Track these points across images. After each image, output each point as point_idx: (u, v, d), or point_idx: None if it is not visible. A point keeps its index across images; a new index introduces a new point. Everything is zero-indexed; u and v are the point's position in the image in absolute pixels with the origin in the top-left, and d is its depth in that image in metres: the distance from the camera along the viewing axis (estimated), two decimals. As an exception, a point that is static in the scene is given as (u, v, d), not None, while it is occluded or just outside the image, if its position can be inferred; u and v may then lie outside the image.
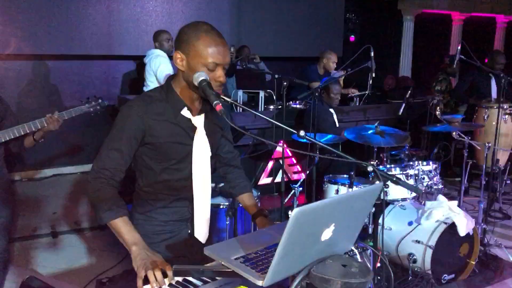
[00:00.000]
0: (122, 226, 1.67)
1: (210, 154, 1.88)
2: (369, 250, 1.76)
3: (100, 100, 3.02)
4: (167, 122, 1.76)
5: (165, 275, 1.53)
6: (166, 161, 1.80)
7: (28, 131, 2.69)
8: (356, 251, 1.57)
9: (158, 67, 4.83)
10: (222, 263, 1.44)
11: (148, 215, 1.86)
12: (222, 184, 3.13)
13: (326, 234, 1.34)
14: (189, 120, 1.80)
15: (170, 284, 1.52)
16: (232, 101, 1.78)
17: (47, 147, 6.11)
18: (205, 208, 1.92)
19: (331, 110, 4.67)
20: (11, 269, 3.70)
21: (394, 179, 1.68)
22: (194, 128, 1.82)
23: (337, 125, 4.68)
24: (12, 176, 6.01)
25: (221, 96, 1.72)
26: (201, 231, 1.93)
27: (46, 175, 6.19)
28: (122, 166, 1.74)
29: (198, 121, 1.83)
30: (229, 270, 1.43)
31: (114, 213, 1.67)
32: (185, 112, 1.79)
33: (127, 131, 1.72)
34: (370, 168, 1.71)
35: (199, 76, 1.66)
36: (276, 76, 3.35)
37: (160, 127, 1.75)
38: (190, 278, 1.54)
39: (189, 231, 1.92)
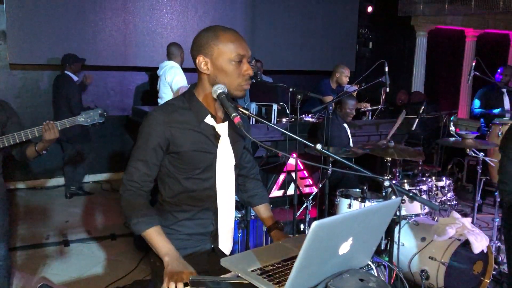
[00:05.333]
0: (155, 236, 1.71)
1: (234, 162, 1.85)
2: (383, 265, 1.75)
3: (99, 111, 2.75)
4: (190, 130, 1.75)
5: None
6: (190, 170, 1.78)
7: (24, 139, 2.59)
8: (372, 265, 1.56)
9: (174, 78, 4.88)
10: (239, 274, 1.45)
11: (171, 228, 1.84)
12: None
13: (344, 248, 1.34)
14: (213, 127, 1.78)
15: (186, 295, 1.52)
16: (250, 114, 1.79)
17: (60, 156, 6.22)
18: (229, 218, 1.89)
19: (345, 125, 4.66)
20: (24, 276, 3.73)
21: (411, 194, 1.68)
22: (218, 136, 1.80)
23: (351, 144, 4.65)
24: (26, 184, 6.08)
25: (239, 108, 1.74)
26: (225, 242, 1.90)
27: (59, 183, 6.25)
28: (149, 177, 1.76)
29: (222, 128, 1.80)
30: (246, 282, 1.43)
31: (145, 224, 1.71)
32: (209, 119, 1.77)
33: (152, 141, 1.72)
34: (386, 183, 1.71)
35: (218, 89, 1.67)
36: (291, 89, 3.37)
37: (183, 135, 1.74)
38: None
39: (212, 246, 1.90)
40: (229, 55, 1.69)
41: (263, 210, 2.06)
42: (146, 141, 1.73)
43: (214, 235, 1.89)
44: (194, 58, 1.76)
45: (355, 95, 5.57)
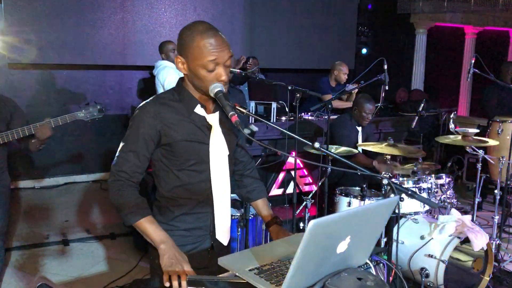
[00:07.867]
0: (148, 226, 1.69)
1: (227, 152, 1.84)
2: (381, 264, 1.74)
3: (99, 107, 2.97)
4: (181, 121, 1.75)
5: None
6: (184, 161, 1.77)
7: (27, 134, 2.80)
8: (371, 264, 1.55)
9: (165, 79, 4.83)
10: (236, 274, 1.44)
11: (170, 224, 1.83)
12: (233, 195, 3.13)
13: (342, 246, 1.33)
14: (204, 118, 1.79)
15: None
16: (247, 113, 1.78)
17: (59, 155, 6.21)
18: (225, 209, 1.88)
19: (358, 128, 4.54)
20: (23, 275, 3.72)
21: (410, 192, 1.67)
22: (209, 127, 1.80)
23: (360, 148, 4.56)
24: (25, 183, 6.07)
25: (237, 107, 1.73)
26: (222, 234, 1.89)
27: (58, 183, 6.24)
28: (139, 168, 1.75)
29: (213, 119, 1.80)
30: (243, 281, 1.42)
31: (137, 214, 1.69)
32: (199, 109, 1.77)
33: (142, 132, 1.72)
34: (385, 181, 1.70)
35: (215, 88, 1.67)
36: (290, 87, 3.35)
37: (175, 126, 1.74)
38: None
39: (211, 243, 1.89)
40: (201, 61, 1.66)
41: (261, 205, 2.05)
42: (137, 133, 1.73)
43: (213, 231, 1.88)
44: (177, 55, 1.75)
45: (354, 94, 5.56)
